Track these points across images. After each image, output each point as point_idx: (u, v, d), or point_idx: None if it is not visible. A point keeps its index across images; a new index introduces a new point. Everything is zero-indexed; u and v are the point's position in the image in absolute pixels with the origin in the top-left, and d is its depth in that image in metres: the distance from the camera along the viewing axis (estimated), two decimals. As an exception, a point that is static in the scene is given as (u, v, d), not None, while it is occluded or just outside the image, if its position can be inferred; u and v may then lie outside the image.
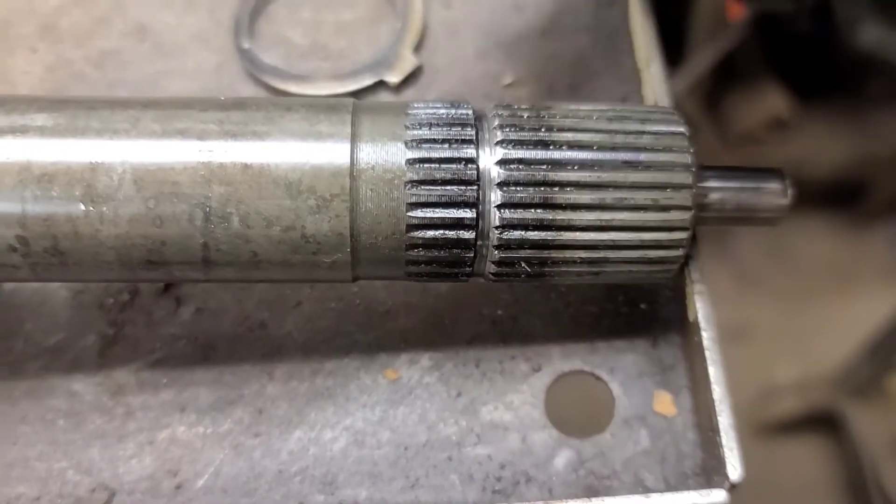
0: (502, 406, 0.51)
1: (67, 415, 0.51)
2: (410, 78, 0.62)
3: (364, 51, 0.64)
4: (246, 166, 0.43)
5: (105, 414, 0.51)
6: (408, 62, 0.61)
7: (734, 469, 0.45)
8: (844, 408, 1.37)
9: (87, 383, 0.52)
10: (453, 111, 0.45)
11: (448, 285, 0.55)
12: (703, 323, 0.48)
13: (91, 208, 0.42)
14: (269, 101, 0.45)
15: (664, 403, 0.51)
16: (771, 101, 1.53)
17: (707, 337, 0.48)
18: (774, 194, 0.48)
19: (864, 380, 1.37)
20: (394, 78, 0.61)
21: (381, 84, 0.61)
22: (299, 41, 0.64)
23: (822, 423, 1.39)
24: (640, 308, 0.54)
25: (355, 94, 0.60)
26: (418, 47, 0.63)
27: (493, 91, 0.61)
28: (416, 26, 0.63)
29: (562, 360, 0.52)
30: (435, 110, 0.45)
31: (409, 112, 0.45)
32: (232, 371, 0.53)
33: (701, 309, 0.49)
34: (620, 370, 0.52)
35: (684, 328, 0.52)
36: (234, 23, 0.64)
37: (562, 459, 0.49)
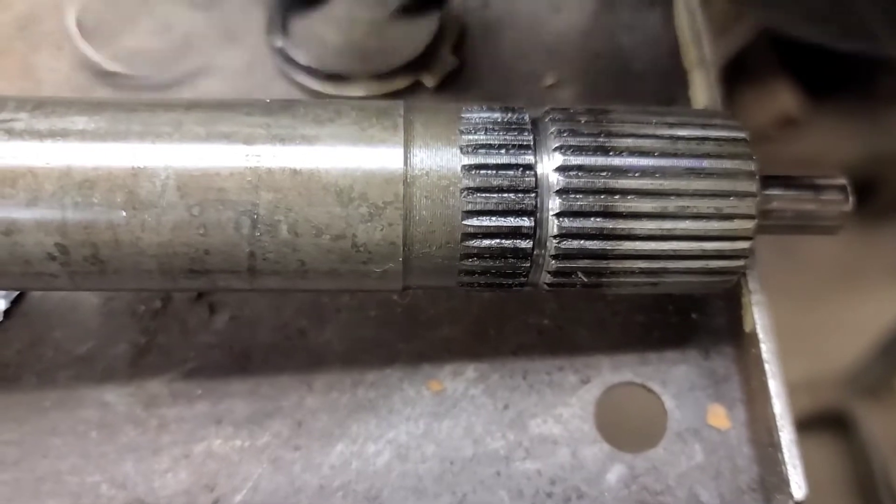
0: (551, 419, 0.49)
1: (100, 426, 0.50)
2: (448, 79, 0.60)
3: (400, 50, 0.62)
4: (295, 172, 0.41)
5: (138, 426, 0.50)
6: (446, 63, 0.59)
7: (798, 487, 0.43)
8: (854, 407, 1.36)
9: (119, 394, 0.51)
10: (509, 115, 0.43)
11: (492, 293, 0.53)
12: (761, 334, 0.47)
13: (133, 215, 0.40)
14: (316, 104, 0.44)
15: (718, 416, 0.49)
16: (781, 99, 1.52)
17: (766, 349, 0.46)
18: (835, 202, 0.47)
19: (874, 379, 1.36)
20: (431, 80, 0.59)
21: (418, 85, 0.60)
22: (332, 39, 0.63)
23: (832, 422, 1.38)
24: (690, 318, 0.52)
25: (393, 95, 0.58)
26: (457, 47, 0.61)
27: (535, 92, 0.59)
28: (454, 26, 0.61)
29: (611, 372, 0.51)
30: (490, 114, 0.43)
31: (463, 116, 0.43)
32: (269, 382, 0.51)
33: (759, 319, 0.47)
34: (672, 382, 0.50)
35: (737, 338, 0.50)
36: (267, 20, 0.62)
37: (614, 475, 0.48)
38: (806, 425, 1.38)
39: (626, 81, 0.60)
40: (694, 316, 0.52)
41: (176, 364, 0.51)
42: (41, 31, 0.63)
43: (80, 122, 0.41)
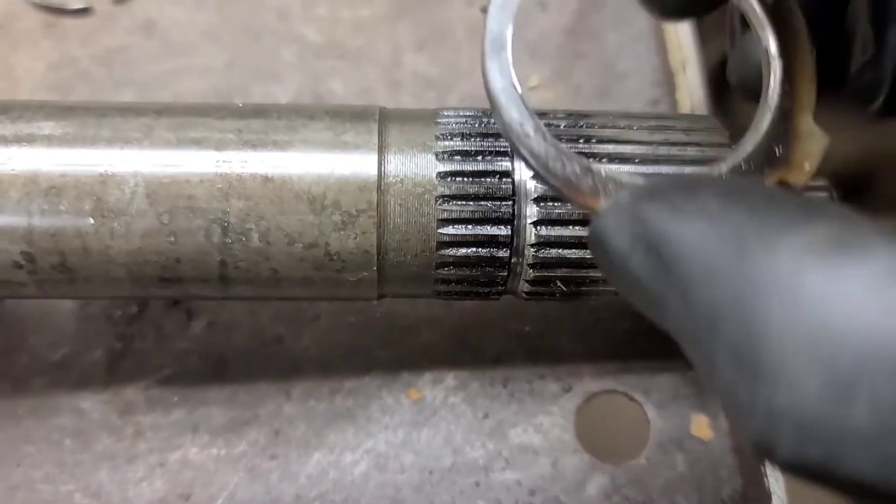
0: (531, 428, 0.49)
1: (74, 434, 0.49)
2: (418, 77, 0.59)
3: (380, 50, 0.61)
4: (266, 179, 0.40)
5: (114, 434, 0.49)
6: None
7: (780, 500, 0.43)
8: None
9: (95, 401, 0.50)
10: (486, 120, 0.42)
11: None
12: (745, 344, 0.46)
13: (101, 223, 0.39)
14: (290, 108, 0.43)
15: (701, 427, 0.49)
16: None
17: (750, 359, 0.45)
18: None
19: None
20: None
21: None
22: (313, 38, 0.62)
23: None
24: (675, 325, 0.51)
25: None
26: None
27: (519, 94, 0.58)
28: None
29: (593, 380, 0.50)
30: (466, 119, 0.42)
31: (439, 121, 0.42)
32: (246, 389, 0.50)
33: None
34: (656, 391, 0.49)
35: (722, 347, 0.49)
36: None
37: (594, 486, 0.47)
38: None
39: (610, 83, 0.59)
40: (678, 323, 0.51)
41: (152, 370, 0.51)
42: (18, 30, 0.61)
43: (47, 127, 0.40)
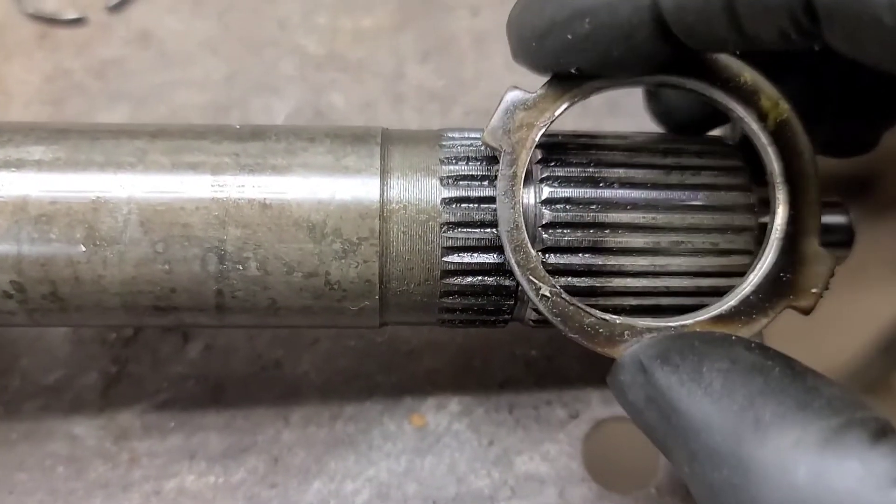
0: (538, 456, 0.47)
1: (68, 461, 0.48)
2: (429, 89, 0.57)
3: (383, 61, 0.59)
4: (264, 206, 0.38)
5: (108, 461, 0.48)
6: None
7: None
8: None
9: (89, 426, 0.48)
10: None
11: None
12: (758, 372, 0.44)
13: (93, 252, 0.38)
14: (289, 130, 0.41)
15: (712, 455, 0.47)
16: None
17: (763, 388, 0.44)
18: (838, 231, 0.44)
19: (872, 377, 1.35)
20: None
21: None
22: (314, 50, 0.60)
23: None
24: (685, 349, 0.50)
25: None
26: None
27: (525, 107, 0.56)
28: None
29: (601, 406, 0.48)
30: (472, 142, 0.41)
31: (444, 143, 0.41)
32: (244, 415, 0.49)
33: (756, 356, 0.45)
34: (665, 418, 0.48)
35: (734, 372, 0.48)
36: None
37: (603, 517, 0.46)
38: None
39: (619, 94, 0.57)
40: (688, 347, 0.50)
41: (148, 395, 0.49)
42: (10, 41, 0.60)
43: (37, 151, 0.39)
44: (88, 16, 0.61)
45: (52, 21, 0.60)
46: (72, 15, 0.60)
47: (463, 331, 0.50)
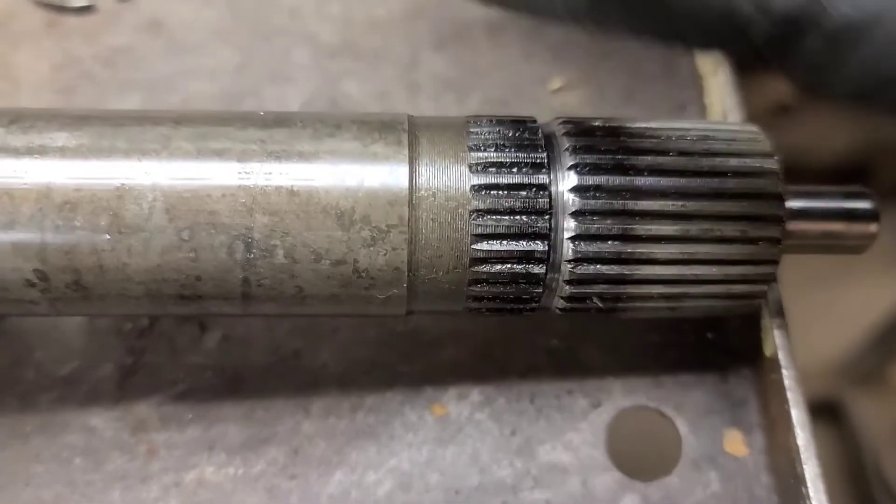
0: (560, 446, 0.47)
1: (85, 453, 0.47)
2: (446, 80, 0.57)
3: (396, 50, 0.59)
4: (292, 193, 0.38)
5: (126, 452, 0.47)
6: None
7: (823, 524, 0.41)
8: (846, 397, 1.35)
9: (106, 418, 0.48)
10: (520, 130, 0.41)
11: (498, 312, 0.50)
12: (783, 360, 0.44)
13: (118, 240, 0.38)
14: (315, 117, 0.41)
15: (735, 443, 0.47)
16: (774, 86, 1.50)
17: (788, 376, 0.44)
18: (863, 220, 0.44)
19: (866, 369, 1.35)
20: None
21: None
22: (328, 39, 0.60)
23: (824, 411, 1.37)
24: (707, 338, 0.50)
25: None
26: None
27: (541, 96, 0.56)
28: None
29: (623, 395, 0.48)
30: (500, 128, 0.41)
31: (472, 130, 0.41)
32: (264, 406, 0.48)
33: (781, 345, 0.45)
34: (687, 406, 0.48)
35: (757, 361, 0.48)
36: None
37: (626, 505, 0.46)
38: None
39: (637, 85, 0.57)
40: (710, 336, 0.50)
41: (165, 386, 0.49)
42: (19, 29, 0.59)
43: (60, 138, 0.38)
44: (97, 3, 0.60)
45: (60, 8, 0.60)
46: (81, 2, 0.60)
47: (484, 320, 0.50)
